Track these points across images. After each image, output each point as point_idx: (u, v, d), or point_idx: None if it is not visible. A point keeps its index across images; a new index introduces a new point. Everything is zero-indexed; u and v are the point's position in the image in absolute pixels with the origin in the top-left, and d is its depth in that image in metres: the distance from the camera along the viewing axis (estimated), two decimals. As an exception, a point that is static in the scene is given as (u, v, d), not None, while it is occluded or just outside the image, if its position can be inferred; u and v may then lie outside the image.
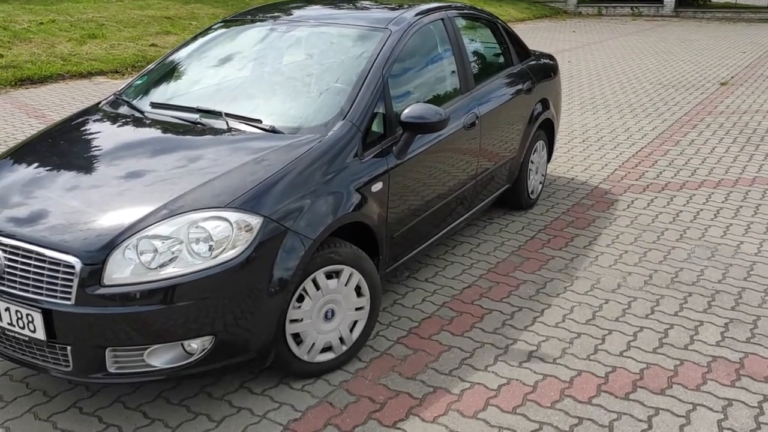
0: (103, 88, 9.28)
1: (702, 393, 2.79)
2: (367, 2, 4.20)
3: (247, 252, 2.44)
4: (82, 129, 3.23)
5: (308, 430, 2.56)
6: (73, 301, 2.30)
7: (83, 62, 10.42)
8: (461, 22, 4.13)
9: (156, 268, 2.36)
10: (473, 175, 3.91)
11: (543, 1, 27.92)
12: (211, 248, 2.41)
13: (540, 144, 4.89)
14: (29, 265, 2.35)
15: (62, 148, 3.04)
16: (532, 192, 4.86)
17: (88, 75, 10.11)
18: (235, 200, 2.50)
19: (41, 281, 2.34)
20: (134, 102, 3.39)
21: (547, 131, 5.02)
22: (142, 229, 2.38)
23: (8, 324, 2.40)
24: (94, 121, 3.30)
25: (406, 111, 3.12)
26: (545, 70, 4.99)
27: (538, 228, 4.57)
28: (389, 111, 3.18)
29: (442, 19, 3.89)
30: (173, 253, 2.39)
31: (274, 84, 3.39)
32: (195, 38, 3.91)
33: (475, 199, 4.05)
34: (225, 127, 3.01)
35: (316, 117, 3.04)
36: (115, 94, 3.59)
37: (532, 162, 4.78)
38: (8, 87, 9.06)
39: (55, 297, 2.32)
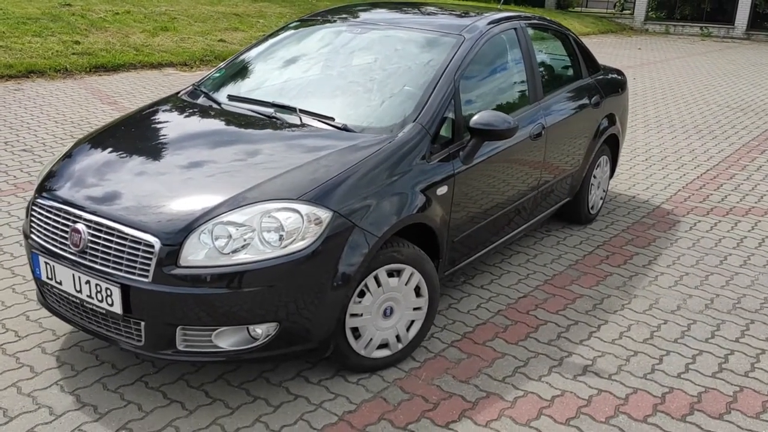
0: (172, 80, 9.58)
1: (761, 421, 2.73)
2: (435, 8, 4.25)
3: (315, 244, 2.51)
4: (163, 116, 3.37)
5: (362, 422, 2.61)
6: (150, 279, 2.40)
7: (154, 53, 10.76)
8: (532, 33, 4.14)
9: (228, 253, 2.45)
10: (535, 185, 3.91)
11: (609, 17, 27.51)
12: (281, 238, 2.49)
13: (604, 159, 4.85)
14: (111, 241, 2.47)
15: (144, 133, 3.18)
16: (592, 207, 4.83)
17: (159, 66, 10.44)
18: (307, 193, 2.58)
19: (121, 258, 2.45)
20: (212, 94, 3.52)
21: (612, 147, 4.98)
22: (219, 215, 2.48)
23: (87, 296, 2.52)
24: (174, 109, 3.43)
25: (475, 117, 3.16)
26: (614, 85, 4.95)
27: (597, 243, 4.54)
28: (458, 116, 3.21)
29: (515, 29, 3.90)
30: (245, 240, 2.47)
31: (346, 84, 3.46)
32: (269, 36, 4.03)
33: (535, 209, 4.05)
34: (299, 122, 3.09)
35: (387, 118, 3.10)
36: (194, 85, 3.72)
37: (594, 177, 4.74)
38: (83, 73, 9.43)
39: (134, 274, 2.43)
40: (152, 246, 2.40)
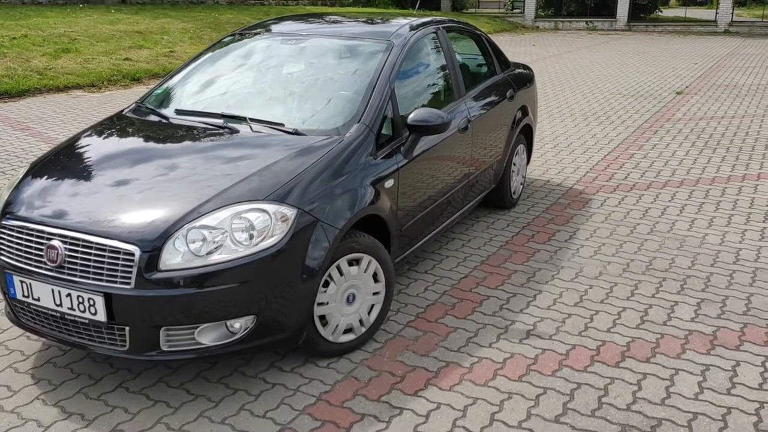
0: (81, 102, 9.41)
1: (682, 360, 3.16)
2: (357, 18, 4.52)
3: (284, 240, 2.72)
4: (114, 134, 3.47)
5: (339, 400, 2.84)
6: (132, 285, 2.55)
7: (59, 76, 10.51)
8: (450, 35, 4.48)
9: (204, 255, 2.62)
10: (467, 174, 4.25)
11: (502, 17, 28.71)
12: (251, 237, 2.69)
13: (521, 147, 5.27)
14: (89, 254, 2.59)
15: (99, 150, 3.27)
16: (514, 192, 5.23)
17: (65, 89, 10.23)
18: (273, 193, 2.79)
19: (101, 268, 2.58)
20: (159, 109, 3.65)
21: (527, 136, 5.41)
22: (192, 220, 2.65)
23: (69, 309, 2.63)
24: (124, 126, 3.55)
25: (412, 115, 3.45)
26: (524, 79, 5.39)
27: (522, 225, 4.94)
28: (396, 115, 3.49)
29: (435, 32, 4.24)
30: (217, 241, 2.65)
31: (289, 91, 3.68)
32: (208, 50, 4.19)
33: (467, 197, 4.40)
34: (250, 130, 3.29)
35: (333, 120, 3.35)
36: (136, 102, 3.83)
37: (514, 164, 5.15)
38: (-14, 101, 9.12)
39: (116, 282, 2.56)
40: (132, 254, 2.55)
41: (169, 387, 2.91)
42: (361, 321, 3.19)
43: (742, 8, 36.59)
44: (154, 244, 2.57)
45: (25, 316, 2.84)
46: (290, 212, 2.77)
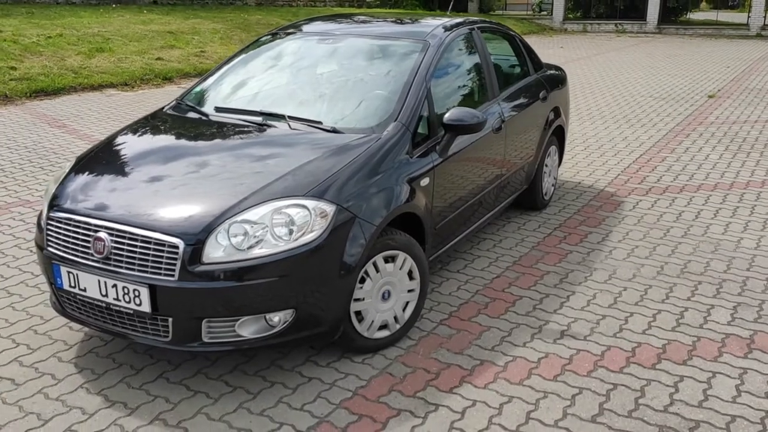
0: (116, 100, 9.57)
1: (719, 363, 3.14)
2: (391, 18, 4.55)
3: (323, 236, 2.76)
4: (156, 130, 3.55)
5: (375, 395, 2.87)
6: (176, 278, 2.60)
7: (93, 75, 10.70)
8: (484, 35, 4.49)
9: (245, 249, 2.67)
10: (500, 174, 4.26)
11: (529, 19, 28.58)
12: (291, 232, 2.73)
13: (553, 149, 5.26)
14: (135, 246, 2.66)
15: (143, 146, 3.35)
16: (545, 193, 5.23)
17: (99, 87, 10.40)
18: (312, 189, 2.83)
19: (146, 260, 2.64)
20: (198, 107, 3.71)
21: (559, 137, 5.40)
22: (234, 215, 2.70)
23: (114, 299, 2.70)
24: (166, 123, 3.62)
25: (448, 114, 3.47)
26: (556, 80, 5.38)
27: (554, 226, 4.93)
28: (432, 114, 3.52)
29: (470, 32, 4.25)
30: (259, 236, 2.70)
31: (328, 90, 3.72)
32: (245, 49, 4.25)
33: (499, 197, 4.41)
34: (288, 128, 3.33)
35: (370, 119, 3.39)
36: (176, 100, 3.90)
37: (546, 165, 5.14)
38: (23, 98, 9.32)
39: (160, 274, 2.62)
40: (177, 247, 2.60)
41: (208, 378, 2.96)
42: (395, 318, 3.22)
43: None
44: (197, 237, 2.63)
45: (70, 306, 2.92)
46: (329, 208, 2.81)
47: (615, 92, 10.95)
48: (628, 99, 10.29)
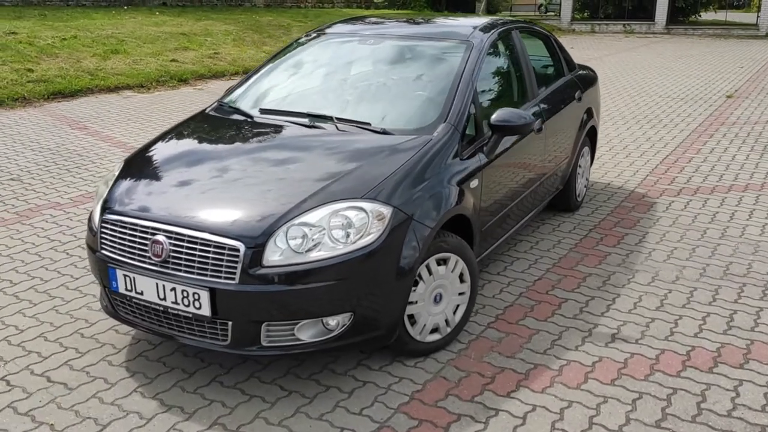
0: (134, 102, 9.55)
1: (776, 366, 3.10)
2: (429, 19, 4.52)
3: (380, 238, 2.72)
4: (202, 132, 3.52)
5: (432, 399, 2.84)
6: (237, 281, 2.57)
7: (109, 77, 10.68)
8: (522, 36, 4.46)
9: (303, 252, 2.64)
10: (540, 175, 4.22)
11: (537, 19, 28.52)
12: (348, 235, 2.69)
13: (586, 149, 5.23)
14: (194, 249, 2.62)
15: (191, 148, 3.32)
16: (578, 194, 5.19)
17: (116, 89, 10.38)
18: (369, 192, 2.79)
19: (206, 263, 2.61)
20: (243, 108, 3.68)
21: (591, 138, 5.36)
22: (293, 217, 2.66)
23: (172, 303, 2.66)
24: (212, 125, 3.59)
25: (495, 115, 3.44)
26: (589, 80, 5.34)
27: (589, 227, 4.89)
28: (478, 115, 3.48)
29: (509, 32, 4.22)
30: (317, 239, 2.66)
31: (373, 91, 3.69)
32: (283, 51, 4.21)
33: (539, 198, 4.37)
34: (336, 129, 3.30)
35: (420, 120, 3.35)
36: (218, 101, 3.87)
37: (579, 166, 5.11)
38: (41, 100, 9.31)
39: (220, 277, 2.59)
40: (237, 250, 2.57)
41: (262, 382, 2.93)
42: (446, 321, 3.18)
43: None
44: (257, 240, 2.59)
45: (124, 309, 2.89)
46: (386, 210, 2.77)
47: (632, 92, 10.90)
48: (645, 99, 10.25)
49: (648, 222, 5.00)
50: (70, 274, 3.98)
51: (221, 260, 2.59)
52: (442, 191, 3.07)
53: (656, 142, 7.50)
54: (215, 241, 2.60)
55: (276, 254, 2.61)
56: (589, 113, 5.16)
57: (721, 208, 5.32)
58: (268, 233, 2.61)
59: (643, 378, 3.00)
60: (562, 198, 5.01)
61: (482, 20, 4.22)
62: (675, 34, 25.11)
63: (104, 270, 2.83)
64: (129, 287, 2.75)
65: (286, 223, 2.65)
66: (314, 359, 3.09)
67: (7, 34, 11.76)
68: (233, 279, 2.57)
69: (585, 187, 5.36)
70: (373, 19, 4.50)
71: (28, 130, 7.65)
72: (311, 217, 2.68)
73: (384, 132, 3.25)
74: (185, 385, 2.90)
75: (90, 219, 3.04)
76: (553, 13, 29.93)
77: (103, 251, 2.85)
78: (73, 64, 10.91)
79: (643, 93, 10.87)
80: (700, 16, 29.69)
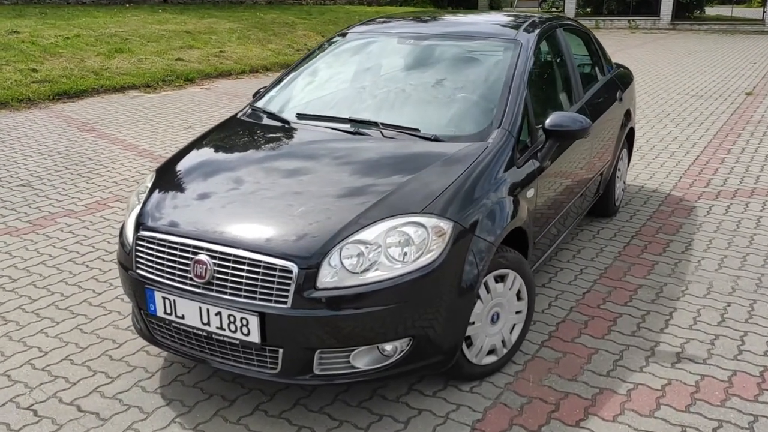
0: (140, 102, 9.30)
1: None
2: (468, 16, 4.28)
3: (442, 256, 2.50)
4: (238, 140, 3.28)
5: (495, 429, 2.61)
6: (289, 305, 2.34)
7: (114, 76, 10.43)
8: (566, 34, 4.23)
9: (359, 272, 2.41)
10: (587, 179, 4.00)
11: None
12: (406, 253, 2.46)
13: (624, 152, 5.00)
14: (241, 270, 2.39)
15: (228, 158, 3.08)
16: (617, 199, 4.97)
17: (121, 89, 10.12)
18: (428, 206, 2.56)
19: (255, 286, 2.37)
20: (278, 114, 3.44)
21: (628, 140, 5.14)
22: (348, 235, 2.43)
23: (217, 328, 2.43)
24: (247, 131, 3.35)
25: (549, 119, 3.21)
26: (626, 78, 5.12)
27: (630, 234, 4.67)
28: (530, 119, 3.26)
29: (555, 31, 3.99)
30: (373, 257, 2.44)
31: (418, 94, 3.46)
32: (316, 51, 3.97)
33: (584, 203, 4.15)
34: (382, 136, 3.07)
35: (473, 125, 3.12)
36: (251, 106, 3.62)
37: (618, 169, 4.88)
38: (47, 101, 9.06)
39: (270, 301, 2.36)
40: (290, 271, 2.34)
41: (309, 411, 2.70)
42: (503, 341, 2.96)
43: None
44: (311, 261, 2.36)
45: (162, 333, 2.66)
46: (446, 226, 2.54)
47: (649, 90, 10.68)
48: (664, 97, 10.02)
49: (691, 228, 4.78)
50: (91, 288, 3.75)
51: (272, 282, 2.36)
52: (502, 202, 2.84)
53: (684, 141, 7.28)
54: (265, 262, 2.36)
55: (330, 275, 2.38)
56: (628, 114, 4.94)
57: (763, 212, 5.10)
58: (323, 252, 2.38)
59: (720, 404, 2.78)
60: (600, 203, 4.78)
61: (522, 17, 3.99)
62: (681, 29, 24.88)
63: (141, 291, 2.59)
64: (169, 311, 2.52)
65: (341, 241, 2.42)
66: (360, 385, 2.87)
67: (9, 33, 11.49)
68: (285, 303, 2.34)
69: (622, 190, 5.14)
70: (409, 17, 4.24)
71: (35, 132, 7.40)
72: (367, 234, 2.45)
73: (435, 139, 3.02)
74: (227, 414, 2.67)
75: (122, 234, 2.81)
76: (556, 10, 29.68)
77: (139, 271, 2.62)
78: (78, 63, 10.66)
79: (661, 90, 10.65)
80: (704, 12, 29.45)
